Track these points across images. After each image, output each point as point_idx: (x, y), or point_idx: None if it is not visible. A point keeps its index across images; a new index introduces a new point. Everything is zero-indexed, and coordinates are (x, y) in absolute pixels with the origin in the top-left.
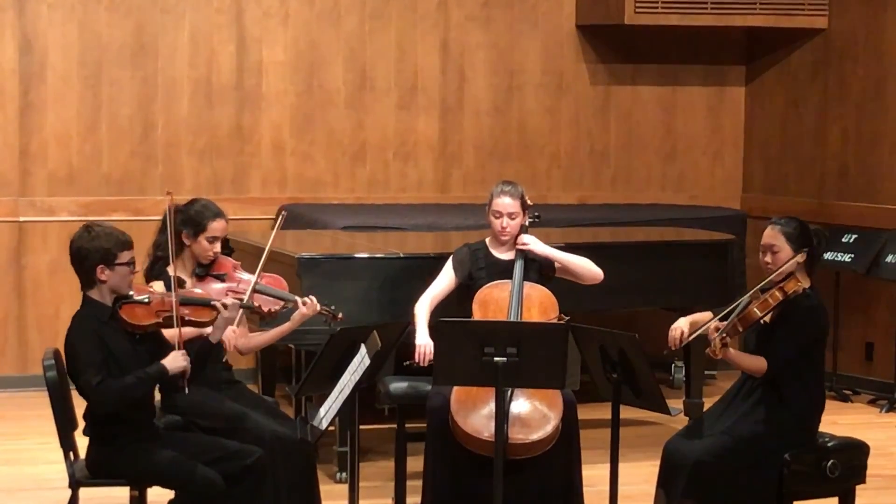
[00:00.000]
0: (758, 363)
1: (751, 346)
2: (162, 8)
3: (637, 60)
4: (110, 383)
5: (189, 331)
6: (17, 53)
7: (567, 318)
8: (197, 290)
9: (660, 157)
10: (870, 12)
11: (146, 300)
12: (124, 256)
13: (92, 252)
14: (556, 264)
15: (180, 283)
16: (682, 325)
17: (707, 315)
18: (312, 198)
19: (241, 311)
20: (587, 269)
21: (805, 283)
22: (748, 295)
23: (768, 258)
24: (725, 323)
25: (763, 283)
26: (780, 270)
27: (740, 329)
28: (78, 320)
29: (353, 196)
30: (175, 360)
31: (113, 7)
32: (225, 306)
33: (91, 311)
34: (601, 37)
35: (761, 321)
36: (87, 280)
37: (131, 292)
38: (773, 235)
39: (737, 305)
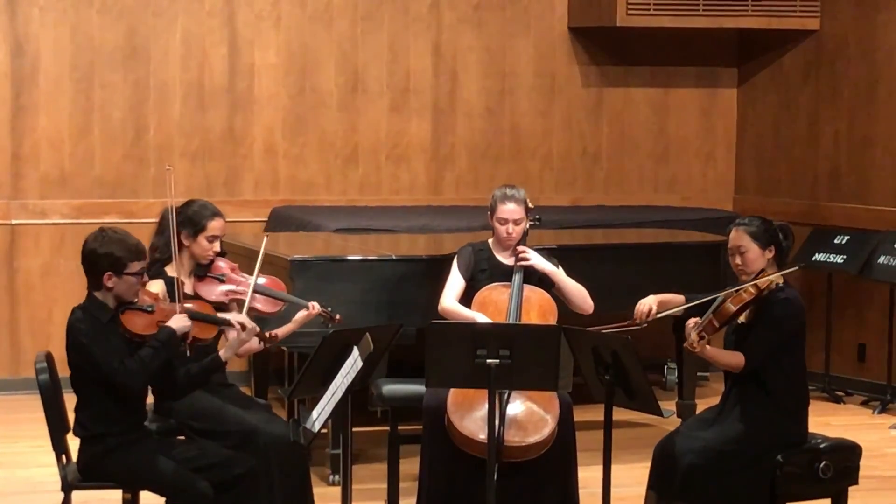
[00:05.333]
0: (735, 359)
1: (730, 347)
2: (154, 11)
3: (629, 62)
4: (129, 363)
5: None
6: (9, 56)
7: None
8: (189, 305)
9: (652, 158)
10: (861, 14)
11: (150, 309)
12: (134, 266)
13: (102, 258)
14: (554, 283)
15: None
16: (650, 302)
17: (678, 298)
18: (305, 200)
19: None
20: (581, 296)
21: (778, 279)
22: (723, 294)
23: (738, 260)
24: (701, 319)
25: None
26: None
27: (716, 324)
28: (79, 318)
29: (346, 198)
30: (180, 321)
31: (105, 10)
32: (243, 327)
33: (93, 311)
34: (593, 39)
35: (739, 320)
36: (94, 283)
37: (136, 300)
38: (738, 237)
39: (713, 299)
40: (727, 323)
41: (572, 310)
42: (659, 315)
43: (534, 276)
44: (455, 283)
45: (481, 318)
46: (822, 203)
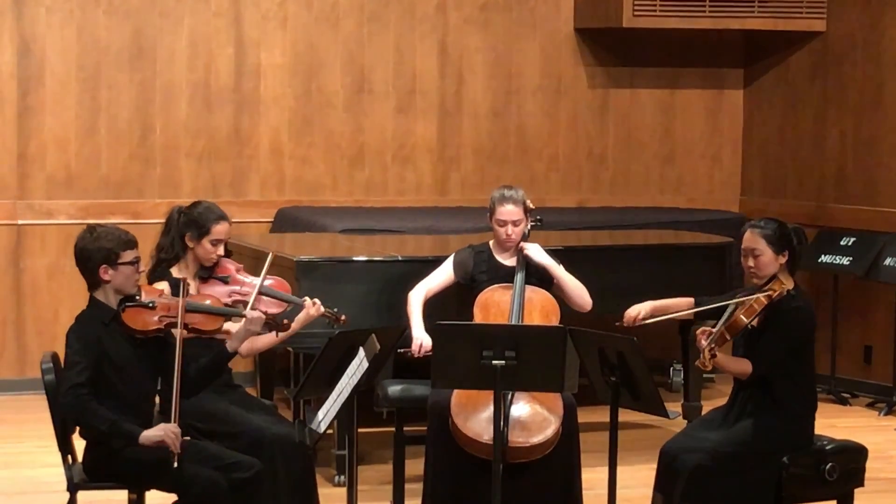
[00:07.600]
0: (743, 366)
1: (740, 352)
2: (160, 11)
3: (635, 63)
4: (85, 397)
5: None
6: (16, 57)
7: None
8: (207, 301)
9: (658, 160)
10: (868, 15)
11: (151, 305)
12: (127, 255)
13: (94, 252)
14: (553, 278)
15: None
16: (642, 307)
17: (681, 302)
18: (311, 201)
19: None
20: (579, 293)
21: (788, 284)
22: (733, 302)
23: (751, 262)
24: (713, 333)
25: (748, 291)
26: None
27: (728, 338)
28: (81, 321)
29: (352, 199)
30: (154, 432)
31: (111, 10)
32: (251, 319)
33: (95, 313)
34: (599, 40)
35: (748, 326)
36: (92, 281)
37: (137, 293)
38: (753, 239)
39: (723, 307)
40: (738, 334)
41: (571, 307)
42: (648, 321)
43: (534, 277)
44: (436, 277)
45: (417, 329)
46: (828, 204)
